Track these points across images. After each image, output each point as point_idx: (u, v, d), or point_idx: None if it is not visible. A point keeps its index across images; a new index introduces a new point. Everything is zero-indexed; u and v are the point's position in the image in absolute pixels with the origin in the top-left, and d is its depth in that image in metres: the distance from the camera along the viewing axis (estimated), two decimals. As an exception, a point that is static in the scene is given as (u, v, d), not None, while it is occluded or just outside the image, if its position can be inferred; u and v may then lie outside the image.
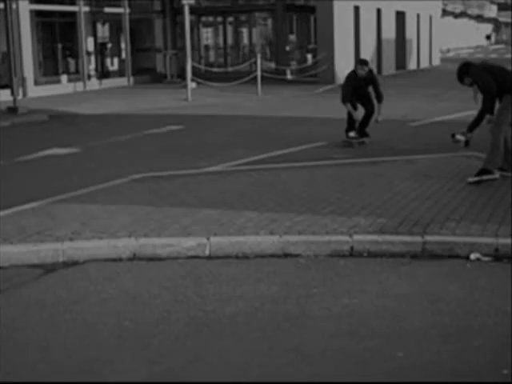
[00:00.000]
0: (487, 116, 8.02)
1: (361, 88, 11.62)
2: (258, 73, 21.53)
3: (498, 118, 7.98)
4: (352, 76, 11.70)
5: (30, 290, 5.22)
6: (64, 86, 23.26)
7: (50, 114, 16.84)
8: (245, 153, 10.83)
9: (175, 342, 4.27)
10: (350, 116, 11.57)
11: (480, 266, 5.57)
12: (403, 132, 13.25)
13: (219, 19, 28.74)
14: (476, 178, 7.85)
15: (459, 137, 8.33)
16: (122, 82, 25.78)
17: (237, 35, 28.74)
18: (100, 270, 5.63)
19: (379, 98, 11.60)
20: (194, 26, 28.15)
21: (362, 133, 11.68)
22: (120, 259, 5.88)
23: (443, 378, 3.78)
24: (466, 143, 8.31)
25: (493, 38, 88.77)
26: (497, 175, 7.86)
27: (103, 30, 26.54)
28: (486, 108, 7.99)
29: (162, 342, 4.26)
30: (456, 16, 69.12)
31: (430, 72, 33.19)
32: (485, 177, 7.83)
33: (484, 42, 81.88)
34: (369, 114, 11.77)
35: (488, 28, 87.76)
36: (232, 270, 5.59)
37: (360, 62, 11.89)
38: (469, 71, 8.10)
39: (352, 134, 11.55)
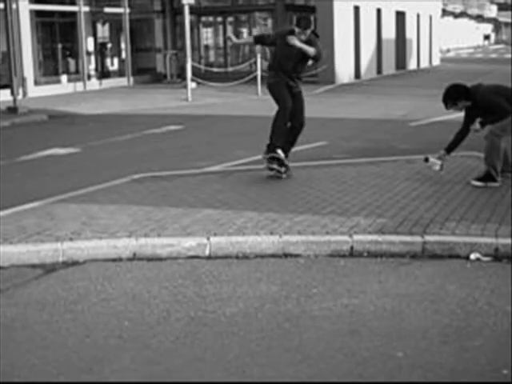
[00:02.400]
0: (476, 126, 7.84)
1: (290, 59, 8.22)
2: (258, 73, 21.53)
3: (504, 127, 7.77)
4: (283, 33, 8.32)
5: (30, 290, 5.22)
6: (64, 85, 23.27)
7: (50, 114, 16.85)
8: (245, 153, 10.83)
9: (175, 342, 4.27)
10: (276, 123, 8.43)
11: (480, 266, 5.57)
12: (403, 132, 13.25)
13: (219, 19, 28.75)
14: (481, 184, 7.75)
15: (434, 160, 8.00)
16: (122, 82, 25.79)
17: (237, 35, 28.74)
18: (100, 270, 5.63)
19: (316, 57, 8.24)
20: (194, 26, 28.16)
21: (270, 148, 8.51)
22: (120, 259, 5.88)
23: (443, 378, 3.78)
24: (441, 167, 8.00)
25: (492, 38, 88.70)
26: (499, 183, 7.79)
27: (103, 30, 26.55)
28: (492, 121, 7.76)
29: (161, 342, 4.26)
30: (456, 16, 69.15)
31: (429, 72, 33.20)
32: (489, 184, 7.76)
33: (484, 42, 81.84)
34: (296, 128, 8.58)
35: (488, 28, 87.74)
36: (232, 270, 5.59)
37: (300, 22, 8.09)
38: (470, 94, 7.74)
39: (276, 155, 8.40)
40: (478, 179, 7.83)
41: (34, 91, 21.31)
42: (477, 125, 7.83)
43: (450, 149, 8.04)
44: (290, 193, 7.66)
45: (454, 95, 7.84)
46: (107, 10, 25.57)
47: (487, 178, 7.79)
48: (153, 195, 7.71)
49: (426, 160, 8.05)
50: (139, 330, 4.47)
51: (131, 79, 26.15)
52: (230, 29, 28.67)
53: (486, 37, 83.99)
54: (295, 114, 8.41)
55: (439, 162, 7.99)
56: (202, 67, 25.11)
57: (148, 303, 4.91)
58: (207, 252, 5.93)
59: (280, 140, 8.34)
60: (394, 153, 10.49)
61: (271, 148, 8.39)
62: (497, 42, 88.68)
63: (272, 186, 8.08)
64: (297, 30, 8.08)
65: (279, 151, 8.33)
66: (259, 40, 8.70)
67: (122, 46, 26.54)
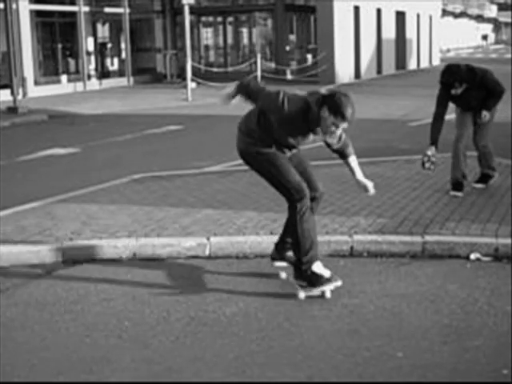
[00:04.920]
0: (484, 112, 7.50)
1: (297, 138, 4.94)
2: (258, 73, 21.55)
3: (487, 131, 7.64)
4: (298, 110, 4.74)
5: (30, 290, 5.22)
6: (64, 85, 23.27)
7: (50, 114, 16.85)
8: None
9: (175, 341, 4.27)
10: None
11: (480, 266, 5.57)
12: (403, 132, 13.25)
13: (219, 19, 28.76)
14: (483, 185, 7.72)
15: (430, 158, 7.34)
16: (122, 81, 25.79)
17: (237, 35, 28.75)
18: (100, 270, 5.63)
19: None
20: (194, 26, 28.17)
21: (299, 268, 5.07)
22: (120, 259, 5.88)
23: (443, 378, 3.78)
24: (434, 164, 7.39)
25: (492, 38, 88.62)
26: (497, 176, 7.82)
27: (103, 30, 26.55)
28: (491, 107, 7.54)
29: (161, 342, 4.26)
30: (456, 16, 69.15)
31: (430, 72, 33.17)
32: (490, 182, 7.77)
33: (482, 43, 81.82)
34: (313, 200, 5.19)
35: (488, 28, 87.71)
36: (232, 270, 5.59)
37: (342, 111, 4.63)
38: (475, 75, 7.37)
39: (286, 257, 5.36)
40: (479, 181, 7.82)
41: (34, 91, 21.31)
42: (487, 116, 7.49)
43: (434, 140, 7.40)
44: (290, 193, 7.65)
45: (460, 76, 7.34)
46: (107, 9, 25.58)
47: (486, 178, 7.79)
48: (153, 195, 7.70)
49: (424, 163, 7.41)
50: (139, 329, 4.47)
51: (131, 79, 26.15)
52: (230, 29, 28.68)
53: (484, 37, 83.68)
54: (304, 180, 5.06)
55: (433, 160, 7.43)
56: (202, 67, 25.11)
57: (148, 303, 4.91)
58: (207, 252, 5.92)
59: (313, 248, 5.05)
60: (394, 153, 10.48)
61: (304, 268, 5.01)
62: (497, 42, 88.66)
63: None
64: (333, 119, 4.62)
65: (317, 267, 5.02)
66: (243, 90, 4.95)
67: (122, 45, 26.55)
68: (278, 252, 5.38)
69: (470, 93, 7.42)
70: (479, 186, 7.75)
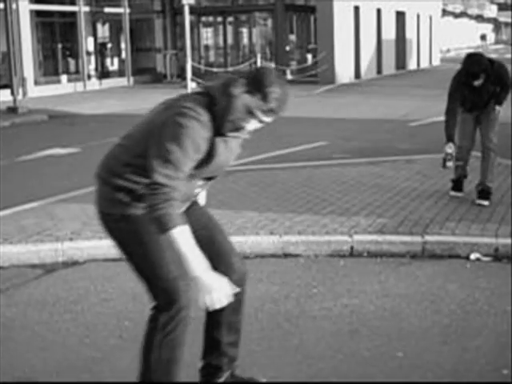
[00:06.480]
0: (498, 108, 7.11)
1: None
2: (258, 73, 21.52)
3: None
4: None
5: (30, 290, 5.22)
6: (64, 85, 23.27)
7: (50, 114, 16.85)
8: (244, 153, 10.80)
9: (175, 341, 4.26)
10: None
11: (480, 266, 5.57)
12: (403, 132, 13.24)
13: (219, 19, 28.76)
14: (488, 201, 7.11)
15: (452, 156, 6.97)
16: (122, 82, 25.79)
17: (237, 35, 28.75)
18: (100, 270, 5.63)
19: None
20: (194, 26, 28.16)
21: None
22: (120, 259, 5.86)
23: (443, 378, 3.78)
24: (453, 159, 7.04)
25: (492, 38, 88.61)
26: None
27: (103, 30, 26.56)
28: (503, 101, 7.11)
29: (162, 342, 4.25)
30: (456, 16, 69.15)
31: (430, 72, 33.19)
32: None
33: (483, 43, 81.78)
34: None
35: (488, 28, 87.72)
36: (232, 269, 5.58)
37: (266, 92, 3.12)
38: (493, 65, 6.81)
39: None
40: (485, 198, 7.15)
41: (34, 91, 21.32)
42: (500, 111, 7.11)
43: (451, 137, 6.95)
44: (290, 193, 7.66)
45: (485, 65, 6.69)
46: (107, 10, 25.58)
47: (489, 193, 7.19)
48: (153, 195, 7.69)
49: (450, 159, 6.94)
50: (139, 330, 4.46)
51: (131, 79, 26.15)
52: (230, 29, 28.68)
53: (483, 37, 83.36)
54: (215, 251, 3.44)
55: (453, 155, 7.02)
56: (202, 67, 25.11)
57: (148, 303, 4.90)
58: (207, 252, 5.91)
59: None
60: (394, 153, 10.49)
61: None
62: (497, 42, 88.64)
63: (272, 186, 8.08)
64: (250, 99, 3.14)
65: None
66: None
67: (122, 45, 26.55)
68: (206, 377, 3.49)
69: (484, 86, 6.83)
70: (485, 202, 7.09)
